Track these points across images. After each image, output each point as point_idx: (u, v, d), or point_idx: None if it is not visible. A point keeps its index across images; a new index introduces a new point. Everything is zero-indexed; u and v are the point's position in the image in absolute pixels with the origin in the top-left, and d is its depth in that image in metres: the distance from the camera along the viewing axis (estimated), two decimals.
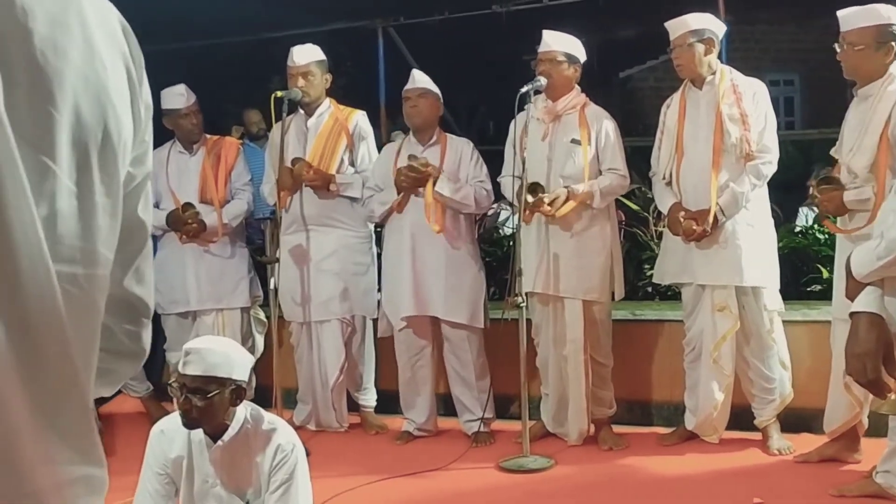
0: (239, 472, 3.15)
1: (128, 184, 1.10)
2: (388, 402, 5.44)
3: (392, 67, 10.34)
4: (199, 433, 3.11)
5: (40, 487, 1.01)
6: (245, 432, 3.12)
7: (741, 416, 4.77)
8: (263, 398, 4.79)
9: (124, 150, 1.08)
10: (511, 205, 6.10)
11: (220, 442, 3.09)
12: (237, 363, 3.10)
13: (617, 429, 4.94)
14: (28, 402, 0.99)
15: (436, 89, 5.08)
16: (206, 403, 3.01)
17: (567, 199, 4.65)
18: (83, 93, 1.02)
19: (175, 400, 3.13)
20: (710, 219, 4.41)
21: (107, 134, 1.05)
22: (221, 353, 3.08)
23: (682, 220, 4.51)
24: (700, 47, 4.52)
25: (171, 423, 3.19)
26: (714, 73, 4.55)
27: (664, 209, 4.71)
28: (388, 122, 9.16)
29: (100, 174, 1.04)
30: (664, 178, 4.68)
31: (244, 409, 3.14)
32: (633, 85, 14.67)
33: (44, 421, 1.01)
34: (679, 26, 4.56)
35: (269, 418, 3.22)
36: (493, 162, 5.14)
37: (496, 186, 5.11)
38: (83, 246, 1.03)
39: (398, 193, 4.91)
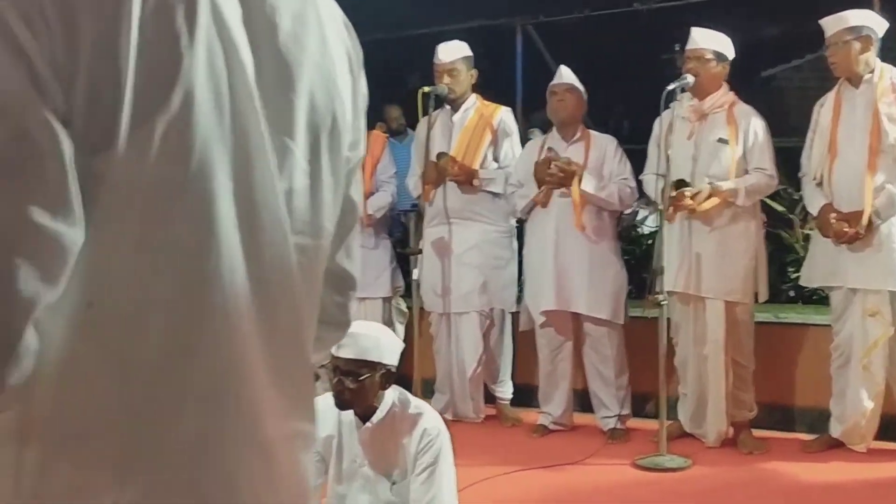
0: (386, 454, 3.24)
1: (344, 166, 1.19)
2: (524, 395, 5.49)
3: (529, 66, 10.37)
4: (349, 414, 3.22)
5: (270, 437, 1.10)
6: (392, 415, 3.21)
7: (892, 426, 4.62)
8: (403, 387, 4.89)
9: (346, 135, 1.17)
10: (649, 203, 6.08)
11: (368, 423, 3.18)
12: (388, 348, 3.19)
13: (757, 433, 4.86)
14: (265, 356, 1.09)
15: (581, 86, 5.12)
16: (358, 386, 3.11)
17: (710, 196, 4.60)
18: (317, 82, 1.12)
19: (328, 381, 3.25)
20: (865, 221, 4.30)
21: (335, 119, 1.15)
22: (374, 337, 3.18)
23: (833, 221, 4.40)
24: (856, 45, 4.40)
25: (322, 404, 3.31)
26: (872, 72, 4.42)
27: (814, 210, 4.60)
28: (524, 121, 9.21)
29: (328, 155, 1.15)
30: (815, 179, 4.57)
31: (393, 393, 3.23)
32: (776, 84, 14.27)
33: (276, 377, 1.10)
34: (835, 23, 4.45)
35: (416, 403, 3.30)
36: (629, 161, 5.13)
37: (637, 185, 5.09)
38: (312, 220, 1.13)
39: (538, 187, 4.96)
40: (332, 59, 1.15)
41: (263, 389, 1.09)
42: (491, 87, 5.46)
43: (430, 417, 3.26)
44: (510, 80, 10.10)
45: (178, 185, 0.99)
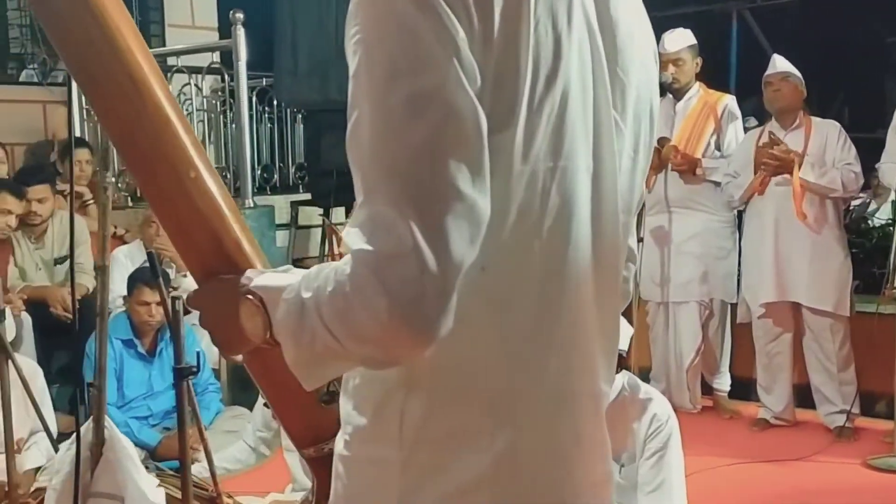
0: (615, 437, 3.28)
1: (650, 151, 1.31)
2: (742, 388, 5.40)
3: (744, 52, 10.09)
4: None
5: (595, 391, 1.23)
6: (622, 399, 3.25)
7: None
8: None
9: (656, 123, 1.28)
10: (880, 193, 5.82)
11: None
12: (621, 333, 3.24)
13: None
14: (598, 321, 1.21)
15: (797, 73, 4.97)
16: None
17: None
18: (641, 72, 1.24)
19: None
20: None
21: (651, 108, 1.26)
22: None
23: None
24: None
25: None
26: None
27: None
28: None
29: (645, 140, 1.26)
30: None
31: (622, 378, 3.27)
32: None
33: (603, 340, 1.23)
34: None
35: (646, 388, 3.33)
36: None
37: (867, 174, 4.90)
38: (628, 198, 1.25)
39: (755, 173, 4.86)
40: (648, 51, 1.26)
41: (596, 351, 1.22)
42: (704, 73, 5.38)
43: (659, 403, 3.28)
44: (724, 67, 9.87)
45: (553, 165, 1.12)
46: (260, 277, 1.22)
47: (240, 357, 1.37)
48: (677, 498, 3.21)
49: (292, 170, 6.85)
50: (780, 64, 4.98)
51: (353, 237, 1.05)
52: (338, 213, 6.03)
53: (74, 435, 1.69)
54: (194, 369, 2.85)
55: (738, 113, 5.30)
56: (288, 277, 1.17)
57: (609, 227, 1.20)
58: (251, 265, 1.32)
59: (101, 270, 1.73)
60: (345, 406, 1.24)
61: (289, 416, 1.44)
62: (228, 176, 6.18)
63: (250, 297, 1.19)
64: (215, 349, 4.55)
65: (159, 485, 1.79)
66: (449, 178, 1.02)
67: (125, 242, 5.57)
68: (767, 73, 5.00)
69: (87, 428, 1.72)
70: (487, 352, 1.13)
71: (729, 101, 5.25)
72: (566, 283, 1.16)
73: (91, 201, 5.85)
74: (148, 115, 1.32)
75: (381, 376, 1.14)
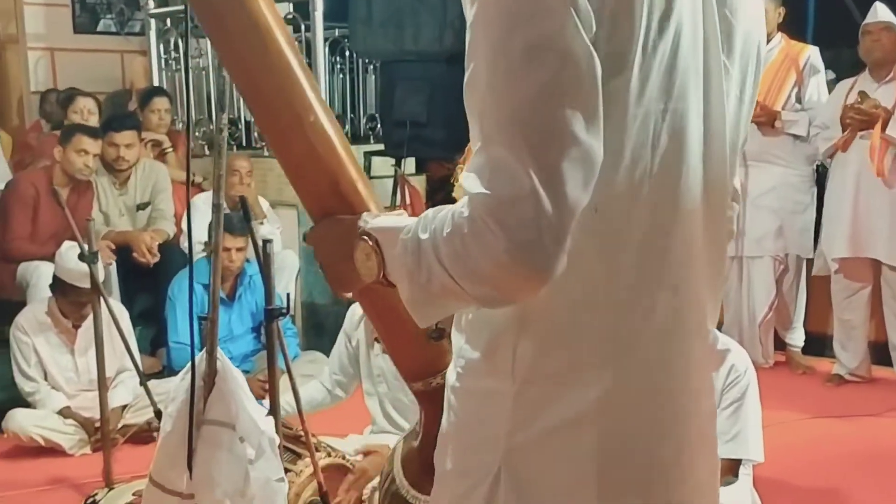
0: None
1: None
2: (816, 343, 5.36)
3: (822, 3, 9.83)
4: None
5: (703, 330, 1.27)
6: None
7: None
8: None
9: (760, 66, 1.29)
10: None
11: None
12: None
13: None
14: (705, 262, 1.24)
15: None
16: None
17: None
18: (748, 14, 1.25)
19: None
20: None
21: (759, 50, 1.28)
22: None
23: None
24: None
25: None
26: None
27: None
28: None
29: (751, 81, 1.27)
30: None
31: None
32: None
33: (709, 280, 1.26)
34: None
35: (724, 339, 3.34)
36: None
37: None
38: (735, 139, 1.27)
39: (843, 131, 4.78)
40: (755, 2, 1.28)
41: (704, 290, 1.24)
42: (785, 24, 5.27)
43: (737, 354, 3.28)
44: (801, 17, 9.63)
45: (664, 107, 1.14)
46: (376, 219, 1.26)
47: (349, 294, 1.41)
48: (753, 448, 3.23)
49: (363, 120, 6.89)
50: (882, 13, 4.85)
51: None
52: (409, 165, 6.06)
53: (189, 365, 1.77)
54: (284, 311, 2.93)
55: (821, 66, 5.20)
56: (403, 220, 1.22)
57: (717, 168, 1.22)
58: (366, 207, 1.36)
59: (216, 207, 1.79)
60: (457, 340, 1.28)
61: (398, 351, 1.49)
62: None
63: (366, 238, 1.23)
64: (291, 295, 4.59)
65: (267, 415, 1.86)
66: (565, 123, 1.04)
67: (203, 190, 5.68)
68: (867, 21, 4.88)
69: (200, 359, 1.79)
70: (598, 291, 1.16)
71: (812, 52, 5.15)
72: (676, 223, 1.18)
73: (170, 149, 5.97)
74: (271, 60, 1.36)
75: (494, 313, 1.19)
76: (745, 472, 3.28)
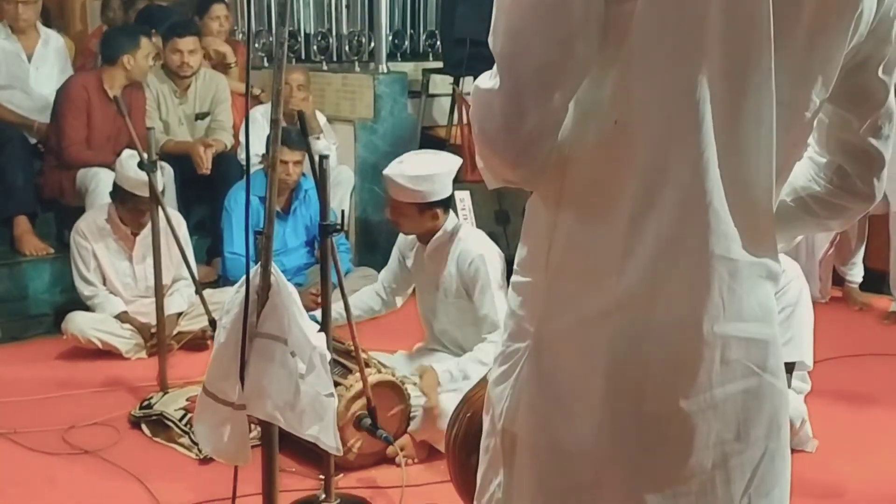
0: None
1: (857, 55, 1.29)
2: (875, 280, 5.27)
3: None
4: None
5: (734, 258, 1.27)
6: None
7: None
8: None
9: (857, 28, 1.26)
10: None
11: None
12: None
13: None
14: (728, 184, 1.24)
15: None
16: None
17: None
18: None
19: None
20: None
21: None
22: None
23: None
24: None
25: None
26: None
27: None
28: None
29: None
30: None
31: None
32: None
33: (736, 210, 1.26)
34: None
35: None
36: None
37: None
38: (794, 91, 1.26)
39: None
40: None
41: (726, 216, 1.24)
42: None
43: (788, 262, 3.25)
44: None
45: (673, 26, 1.18)
46: None
47: None
48: (807, 353, 3.24)
49: (423, 37, 6.81)
50: None
51: (481, 77, 1.23)
52: (468, 83, 5.99)
53: (244, 278, 1.79)
54: (338, 226, 2.94)
55: None
56: None
57: (755, 100, 1.22)
58: None
59: (275, 122, 1.79)
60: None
61: None
62: (363, 40, 6.19)
63: None
64: (344, 210, 4.60)
65: (319, 330, 1.88)
66: (550, 35, 1.15)
67: (261, 102, 5.68)
68: None
69: (254, 273, 1.81)
70: (614, 187, 1.23)
71: None
72: (690, 130, 1.20)
73: (234, 62, 5.95)
74: None
75: (539, 214, 1.31)
76: (799, 381, 3.30)
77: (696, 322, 1.25)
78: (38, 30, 5.48)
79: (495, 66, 1.20)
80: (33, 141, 5.29)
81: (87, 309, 4.47)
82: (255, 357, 1.79)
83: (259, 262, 1.80)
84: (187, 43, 5.26)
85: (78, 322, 4.36)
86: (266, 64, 6.25)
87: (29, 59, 5.43)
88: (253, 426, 2.05)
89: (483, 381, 2.27)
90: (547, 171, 1.24)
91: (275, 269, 1.80)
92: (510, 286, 1.40)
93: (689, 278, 1.24)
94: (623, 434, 1.26)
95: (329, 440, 1.88)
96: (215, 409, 1.85)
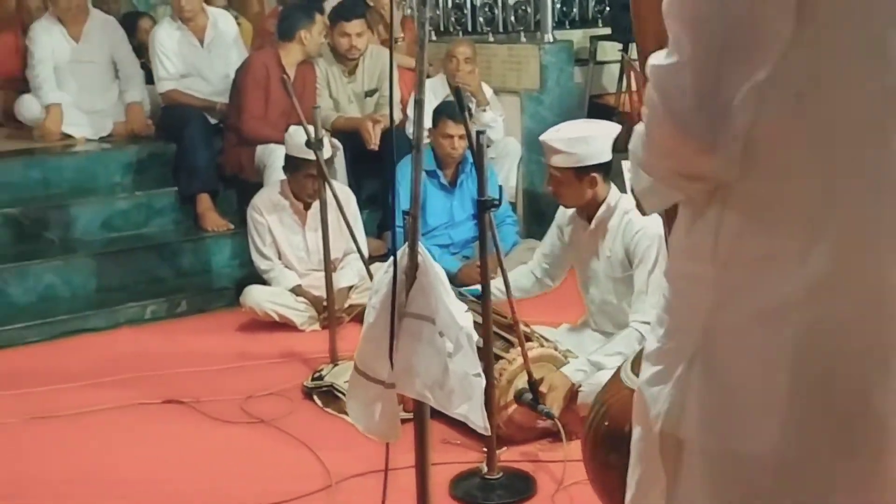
0: None
1: None
2: None
3: None
4: None
5: None
6: None
7: None
8: None
9: None
10: None
11: None
12: None
13: None
14: None
15: None
16: None
17: None
18: None
19: None
20: None
21: None
22: None
23: None
24: None
25: None
26: None
27: None
28: None
29: None
30: None
31: None
32: None
33: None
34: None
35: None
36: None
37: None
38: None
39: None
40: None
41: None
42: None
43: None
44: None
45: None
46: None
47: None
48: None
49: (592, 3, 6.69)
50: None
51: (655, 55, 1.15)
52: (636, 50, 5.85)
53: (392, 259, 1.81)
54: (496, 202, 2.94)
55: None
56: None
57: None
58: None
59: (417, 104, 1.79)
60: (673, 228, 1.31)
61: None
62: (528, 9, 6.13)
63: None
64: (512, 183, 4.66)
65: (467, 310, 1.88)
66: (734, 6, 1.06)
67: (428, 76, 5.73)
68: None
69: (402, 253, 1.83)
70: (802, 174, 1.13)
71: None
72: (890, 104, 1.10)
73: (401, 38, 6.03)
74: None
75: (698, 195, 1.20)
76: None
77: (891, 312, 1.14)
78: (205, 13, 5.72)
79: (674, 39, 1.11)
80: (214, 121, 5.54)
81: (264, 283, 4.65)
82: (403, 337, 1.81)
83: (406, 243, 1.82)
84: (354, 26, 5.36)
85: (255, 295, 4.55)
86: (434, 37, 6.30)
87: (201, 43, 5.68)
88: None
89: (617, 381, 2.22)
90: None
91: (422, 249, 1.82)
92: (665, 276, 1.31)
93: (882, 263, 1.13)
94: (811, 436, 1.15)
95: (477, 419, 1.89)
96: (366, 386, 1.89)
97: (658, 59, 1.13)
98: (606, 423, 2.25)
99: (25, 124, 5.92)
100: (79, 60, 5.77)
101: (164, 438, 3.46)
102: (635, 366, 2.04)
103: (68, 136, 5.74)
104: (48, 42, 5.69)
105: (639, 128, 1.22)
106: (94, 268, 4.91)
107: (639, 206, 1.33)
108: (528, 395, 3.14)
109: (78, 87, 5.79)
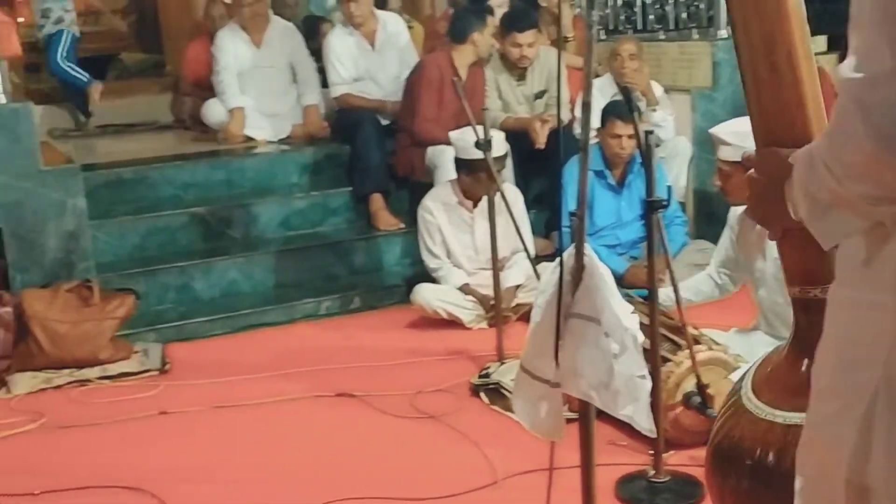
0: None
1: None
2: None
3: None
4: None
5: None
6: None
7: None
8: None
9: None
10: None
11: None
12: None
13: None
14: None
15: None
16: None
17: None
18: None
19: None
20: None
21: None
22: None
23: None
24: None
25: None
26: None
27: None
28: None
29: None
30: None
31: None
32: None
33: None
34: None
35: None
36: None
37: None
38: None
39: None
40: None
41: None
42: None
43: None
44: None
45: None
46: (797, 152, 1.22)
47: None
48: None
49: None
50: None
51: (843, 67, 1.03)
52: (819, 42, 5.62)
53: (558, 260, 1.83)
54: (665, 202, 2.90)
55: None
56: None
57: None
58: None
59: (585, 106, 1.80)
60: (840, 249, 1.21)
61: (786, 252, 1.70)
62: (701, 6, 6.00)
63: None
64: (682, 183, 4.58)
65: (633, 311, 1.88)
66: None
67: (597, 75, 5.70)
68: None
69: (569, 254, 1.84)
70: None
71: None
72: None
73: (571, 36, 6.03)
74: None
75: (879, 214, 1.10)
76: None
77: None
78: (375, 17, 5.87)
79: (869, 48, 1.00)
80: (385, 122, 5.69)
81: (433, 281, 4.75)
82: (569, 337, 1.83)
83: (573, 244, 1.84)
84: (527, 37, 5.38)
85: (424, 293, 4.65)
86: (603, 36, 6.25)
87: (372, 46, 5.84)
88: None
89: (737, 398, 2.10)
90: None
91: (588, 250, 1.83)
92: (830, 302, 1.21)
93: None
94: None
95: (643, 421, 1.88)
96: (532, 385, 1.92)
97: (848, 71, 1.02)
98: (728, 447, 2.09)
99: (211, 128, 6.26)
100: (260, 66, 6.05)
101: (336, 430, 3.59)
102: (757, 374, 1.95)
103: (250, 139, 6.03)
104: (232, 49, 5.98)
105: (810, 152, 1.13)
106: (273, 265, 5.14)
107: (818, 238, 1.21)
108: (697, 399, 3.08)
109: (259, 92, 6.06)
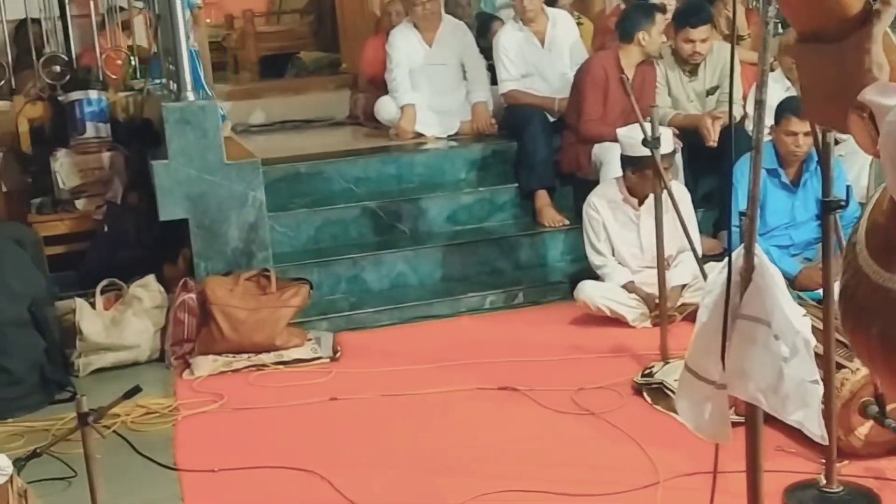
0: None
1: None
2: None
3: None
4: None
5: None
6: None
7: None
8: None
9: None
10: None
11: None
12: None
13: None
14: None
15: None
16: None
17: None
18: None
19: None
20: None
21: None
22: None
23: None
24: None
25: None
26: None
27: None
28: None
29: None
30: None
31: None
32: None
33: None
34: None
35: None
36: None
37: None
38: None
39: None
40: None
41: None
42: None
43: None
44: None
45: None
46: (872, 88, 1.14)
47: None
48: None
49: None
50: None
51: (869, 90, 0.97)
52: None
53: (726, 259, 1.80)
54: (843, 203, 2.80)
55: None
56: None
57: None
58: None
59: (758, 104, 1.77)
60: None
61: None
62: None
63: (861, 109, 1.13)
64: (863, 183, 4.40)
65: (805, 314, 1.83)
66: None
67: (771, 70, 5.52)
68: None
69: (738, 254, 1.81)
70: None
71: None
72: None
73: (747, 35, 5.87)
74: None
75: None
76: None
77: None
78: (545, 13, 5.88)
79: None
80: (552, 119, 5.70)
81: (597, 278, 4.73)
82: (736, 338, 1.80)
83: (742, 244, 1.81)
84: (700, 32, 5.28)
85: (588, 290, 4.64)
86: (781, 31, 6.04)
87: (542, 43, 5.85)
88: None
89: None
90: None
91: (759, 250, 1.79)
92: None
93: None
94: None
95: (814, 427, 1.83)
96: (697, 386, 1.90)
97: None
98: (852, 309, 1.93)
99: (383, 124, 6.42)
100: (431, 63, 6.17)
101: (498, 423, 3.64)
102: (869, 238, 1.78)
103: (420, 135, 6.15)
104: (404, 47, 6.13)
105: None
106: (440, 258, 5.24)
107: None
108: (874, 408, 2.97)
109: (430, 89, 6.18)
